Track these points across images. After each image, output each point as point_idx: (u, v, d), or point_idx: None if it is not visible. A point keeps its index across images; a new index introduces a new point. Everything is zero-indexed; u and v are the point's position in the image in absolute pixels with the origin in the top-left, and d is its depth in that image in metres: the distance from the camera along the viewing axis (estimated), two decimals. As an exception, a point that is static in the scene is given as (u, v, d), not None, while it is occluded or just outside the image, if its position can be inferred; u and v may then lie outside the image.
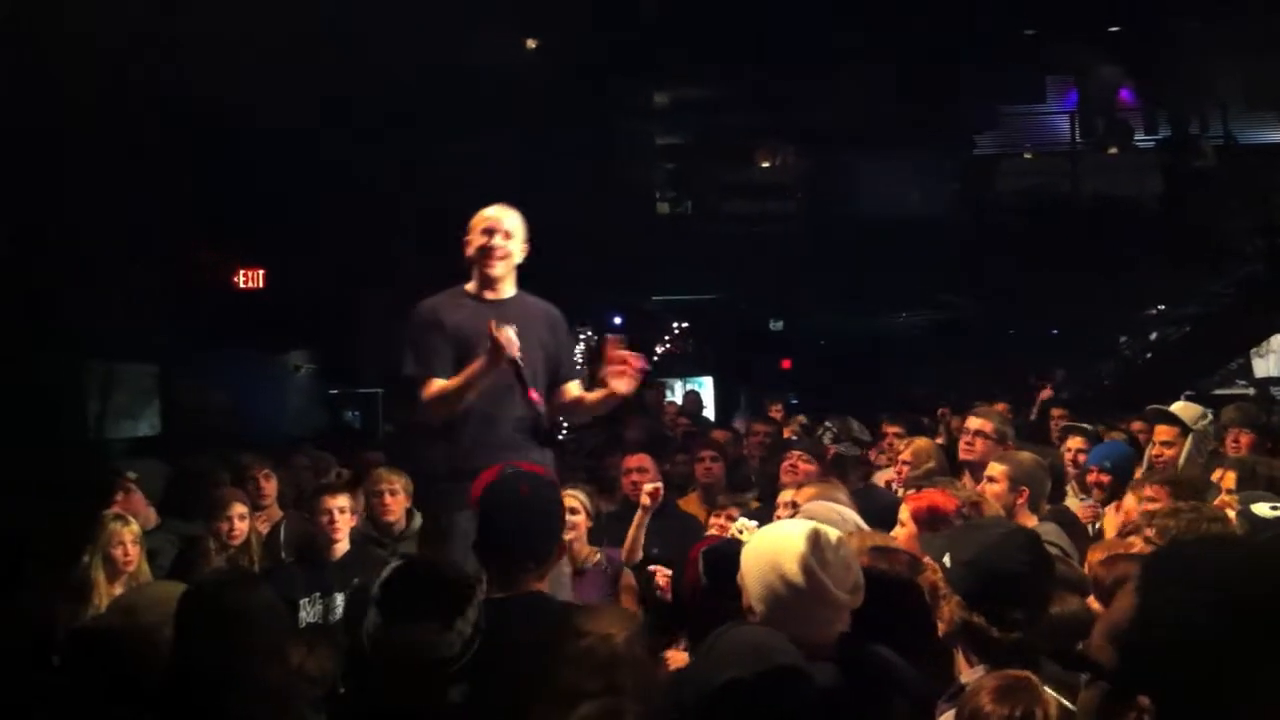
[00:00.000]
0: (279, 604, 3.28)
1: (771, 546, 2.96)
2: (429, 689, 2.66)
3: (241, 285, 14.26)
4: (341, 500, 5.47)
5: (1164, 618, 1.33)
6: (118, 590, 4.97)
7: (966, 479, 5.52)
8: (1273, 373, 17.45)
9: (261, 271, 14.30)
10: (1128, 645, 1.36)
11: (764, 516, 4.79)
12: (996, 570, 2.82)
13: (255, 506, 6.32)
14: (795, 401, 13.62)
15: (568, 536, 4.25)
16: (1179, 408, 6.61)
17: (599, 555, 5.23)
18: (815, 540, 2.90)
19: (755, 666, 2.61)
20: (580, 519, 5.20)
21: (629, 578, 5.12)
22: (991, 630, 2.78)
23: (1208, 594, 1.31)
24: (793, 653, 2.70)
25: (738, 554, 3.08)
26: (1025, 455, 5.30)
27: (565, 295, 4.36)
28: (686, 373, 20.58)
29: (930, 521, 4.15)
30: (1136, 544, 3.89)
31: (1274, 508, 4.08)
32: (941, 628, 2.97)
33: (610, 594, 4.91)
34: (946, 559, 2.92)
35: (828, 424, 8.47)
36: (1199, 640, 1.29)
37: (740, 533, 4.12)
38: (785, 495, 5.16)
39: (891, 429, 7.87)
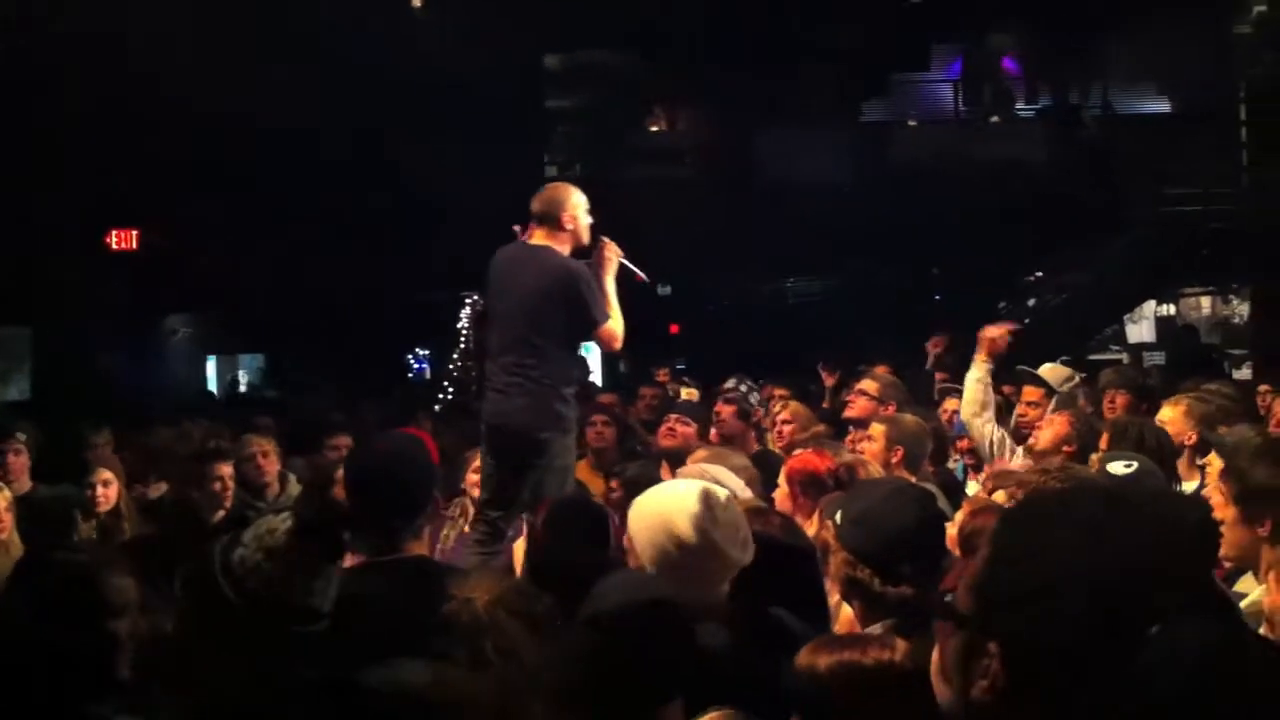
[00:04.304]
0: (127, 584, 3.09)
1: (660, 506, 2.95)
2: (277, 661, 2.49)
3: (115, 247, 13.75)
4: (229, 468, 5.62)
5: (1014, 563, 1.34)
6: (-12, 558, 4.81)
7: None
8: (1145, 338, 17.99)
9: (135, 232, 13.79)
10: (980, 591, 1.37)
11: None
12: (880, 525, 2.82)
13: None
14: (681, 367, 13.61)
15: None
16: (1047, 370, 6.76)
17: None
18: (705, 499, 2.90)
19: (638, 593, 2.59)
20: None
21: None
22: (874, 584, 2.78)
23: (1060, 537, 1.33)
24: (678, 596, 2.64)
25: (581, 505, 3.03)
26: (908, 417, 5.40)
27: (453, 259, 4.23)
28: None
29: (805, 483, 4.19)
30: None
31: (1127, 465, 4.15)
32: (829, 585, 2.98)
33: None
34: (838, 516, 2.93)
35: (749, 384, 8.02)
36: (1046, 585, 1.30)
37: None
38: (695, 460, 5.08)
39: (778, 391, 7.85)
